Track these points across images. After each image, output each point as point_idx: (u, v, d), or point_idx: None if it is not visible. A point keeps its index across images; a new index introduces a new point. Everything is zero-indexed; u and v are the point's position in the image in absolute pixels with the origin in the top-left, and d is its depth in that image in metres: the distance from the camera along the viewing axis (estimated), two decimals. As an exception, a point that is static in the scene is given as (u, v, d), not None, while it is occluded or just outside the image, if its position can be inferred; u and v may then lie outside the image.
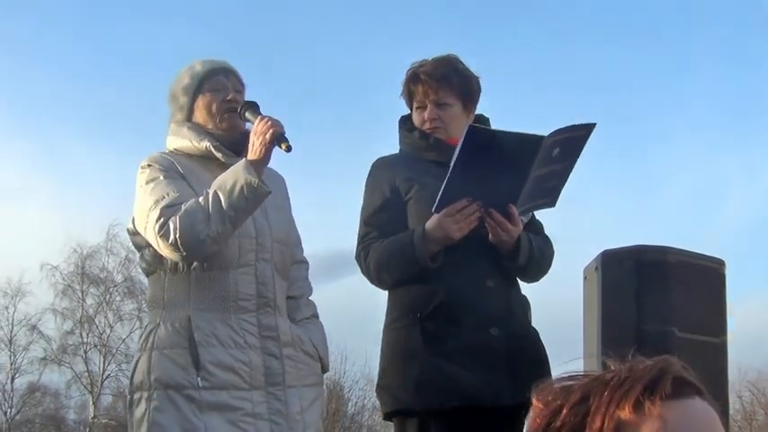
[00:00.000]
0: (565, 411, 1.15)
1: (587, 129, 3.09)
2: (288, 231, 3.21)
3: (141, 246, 3.08)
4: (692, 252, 4.00)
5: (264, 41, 42.60)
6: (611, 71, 46.97)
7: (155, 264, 3.05)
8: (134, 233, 3.08)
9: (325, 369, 3.22)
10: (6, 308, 31.37)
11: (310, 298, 3.33)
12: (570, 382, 1.19)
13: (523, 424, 3.16)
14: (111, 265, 31.27)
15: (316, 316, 3.29)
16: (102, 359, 30.75)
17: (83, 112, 44.97)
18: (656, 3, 46.52)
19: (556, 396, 1.18)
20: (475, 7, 46.19)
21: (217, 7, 44.81)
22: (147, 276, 3.13)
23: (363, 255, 3.25)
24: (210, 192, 2.89)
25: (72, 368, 30.99)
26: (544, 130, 3.01)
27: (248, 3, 44.43)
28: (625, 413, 1.13)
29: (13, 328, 31.33)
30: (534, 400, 1.19)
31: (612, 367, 1.19)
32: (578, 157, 3.14)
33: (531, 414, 1.20)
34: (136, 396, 2.96)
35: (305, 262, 3.36)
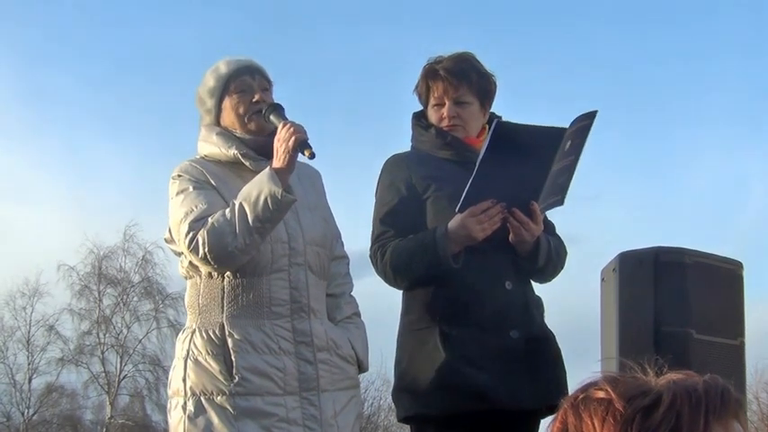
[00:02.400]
0: (659, 413, 1.16)
1: (590, 117, 3.04)
2: (323, 231, 3.18)
3: (179, 253, 3.11)
4: (709, 253, 3.99)
5: (278, 36, 42.62)
6: (629, 68, 46.82)
7: (192, 270, 3.08)
8: (170, 241, 3.12)
9: (363, 370, 3.20)
10: (24, 308, 31.48)
11: (352, 294, 3.31)
12: (641, 381, 1.20)
13: (540, 426, 3.17)
14: (127, 266, 31.37)
15: (357, 314, 3.27)
16: (119, 360, 30.81)
17: (101, 112, 45.12)
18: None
19: (637, 393, 1.18)
20: (497, 11, 46.11)
21: (235, 5, 44.90)
22: (186, 280, 3.15)
23: (380, 254, 3.20)
24: (236, 203, 2.91)
25: (89, 368, 31.09)
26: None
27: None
28: (718, 429, 1.16)
29: (30, 328, 31.44)
30: (611, 392, 1.18)
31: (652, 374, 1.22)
32: (582, 149, 3.11)
33: (599, 405, 1.18)
34: (173, 402, 3.00)
35: (345, 257, 3.33)
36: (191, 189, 3.02)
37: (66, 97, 43.80)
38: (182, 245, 2.97)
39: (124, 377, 31.02)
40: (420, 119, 3.38)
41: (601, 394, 1.19)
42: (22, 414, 31.19)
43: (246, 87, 3.13)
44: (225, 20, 44.64)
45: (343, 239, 3.34)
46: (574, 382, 1.27)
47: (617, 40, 46.58)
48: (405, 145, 3.43)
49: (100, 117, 45.42)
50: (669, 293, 3.81)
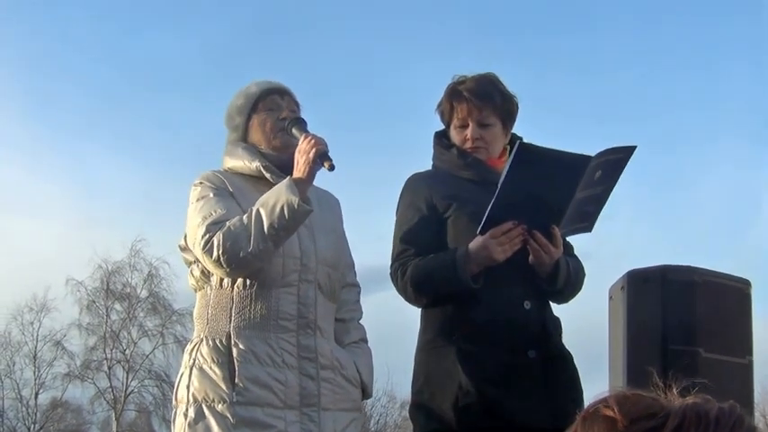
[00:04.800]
0: None
1: (628, 152, 3.03)
2: (337, 254, 3.21)
3: (190, 261, 3.15)
4: (717, 272, 3.99)
5: (298, 58, 42.73)
6: (639, 83, 46.81)
7: (202, 280, 3.11)
8: (184, 249, 3.14)
9: (367, 395, 3.21)
10: (31, 323, 31.55)
11: (360, 322, 3.33)
12: (652, 402, 1.20)
13: None
14: (134, 281, 31.41)
15: (364, 340, 3.29)
16: (125, 375, 30.81)
17: (110, 128, 45.33)
18: (691, 18, 46.26)
19: (644, 415, 1.18)
20: (507, 30, 46.18)
21: (241, 20, 45.05)
22: (196, 292, 3.17)
23: (400, 272, 3.19)
24: (254, 209, 2.94)
25: (95, 384, 31.08)
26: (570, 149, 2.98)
27: (281, 21, 44.67)
28: None
29: (37, 343, 31.51)
30: (616, 411, 1.19)
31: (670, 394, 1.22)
32: (617, 181, 3.10)
33: (603, 422, 1.19)
34: (177, 410, 3.03)
35: (356, 285, 3.35)
36: (211, 195, 3.06)
37: (74, 112, 44.01)
38: (197, 247, 2.98)
39: (130, 392, 31.01)
40: (441, 138, 3.38)
41: (608, 412, 1.20)
42: (28, 429, 31.20)
43: (275, 106, 3.19)
44: (230, 34, 44.83)
45: (354, 250, 3.35)
46: (587, 402, 1.27)
47: (625, 55, 46.60)
48: (423, 162, 3.45)
49: (108, 132, 45.60)
50: (677, 312, 3.81)
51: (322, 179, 3.06)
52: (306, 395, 2.99)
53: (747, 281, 4.06)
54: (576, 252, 3.38)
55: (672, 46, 46.37)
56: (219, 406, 2.92)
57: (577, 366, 3.24)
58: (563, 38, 46.63)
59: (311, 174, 2.97)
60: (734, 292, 3.99)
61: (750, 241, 42.40)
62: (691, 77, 46.11)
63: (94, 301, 30.92)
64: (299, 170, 2.97)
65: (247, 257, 2.91)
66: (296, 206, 2.88)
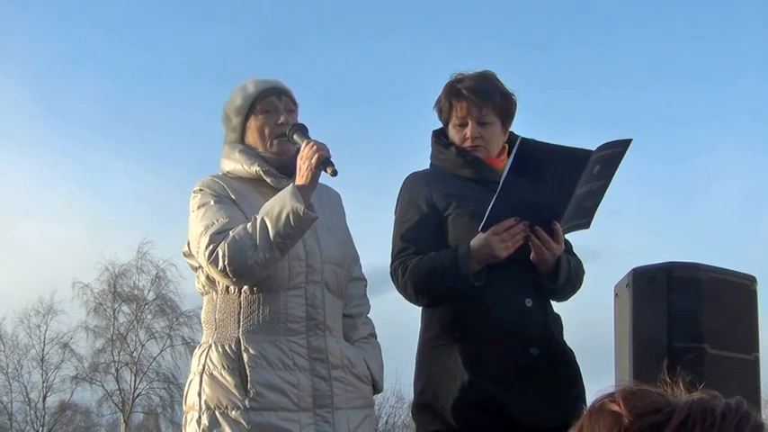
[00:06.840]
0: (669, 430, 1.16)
1: (624, 145, 3.04)
2: (342, 251, 3.21)
3: (195, 267, 3.14)
4: (723, 269, 3.98)
5: (300, 62, 42.75)
6: (646, 78, 46.75)
7: (208, 285, 3.11)
8: (189, 255, 3.14)
9: (377, 390, 3.21)
10: (38, 326, 31.61)
11: (368, 316, 3.32)
12: (657, 397, 1.21)
13: None
14: (142, 284, 31.44)
15: (373, 335, 3.29)
16: (133, 377, 30.85)
17: (118, 131, 45.44)
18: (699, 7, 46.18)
19: (649, 410, 1.19)
20: (516, 32, 46.14)
21: (244, 25, 45.10)
22: (203, 296, 3.17)
23: (401, 270, 3.19)
24: (258, 218, 2.93)
25: (103, 386, 31.13)
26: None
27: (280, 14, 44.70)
28: None
29: (44, 346, 31.56)
30: (622, 406, 1.19)
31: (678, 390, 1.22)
32: (613, 175, 3.10)
33: (609, 417, 1.20)
34: (188, 416, 3.03)
35: (362, 279, 3.34)
36: (212, 203, 3.05)
37: (82, 116, 44.15)
38: (201, 257, 2.98)
39: (138, 395, 31.05)
40: (439, 137, 3.37)
41: (614, 407, 1.21)
42: (37, 432, 31.23)
43: (272, 108, 3.16)
44: (235, 39, 44.88)
45: (362, 249, 3.35)
46: (590, 399, 1.28)
47: (640, 60, 46.53)
48: (421, 161, 3.44)
49: (115, 136, 45.75)
50: (683, 309, 3.80)
51: (324, 176, 3.06)
52: (319, 396, 3.00)
53: (753, 277, 4.05)
54: (583, 250, 3.40)
55: (681, 57, 46.24)
56: (233, 413, 2.92)
57: (582, 364, 3.24)
58: (572, 48, 46.57)
59: (314, 180, 2.95)
60: (739, 289, 3.98)
61: (756, 239, 42.32)
62: (700, 87, 46.05)
63: (101, 304, 30.97)
64: (301, 176, 2.95)
65: (254, 267, 2.91)
66: (301, 214, 2.87)
